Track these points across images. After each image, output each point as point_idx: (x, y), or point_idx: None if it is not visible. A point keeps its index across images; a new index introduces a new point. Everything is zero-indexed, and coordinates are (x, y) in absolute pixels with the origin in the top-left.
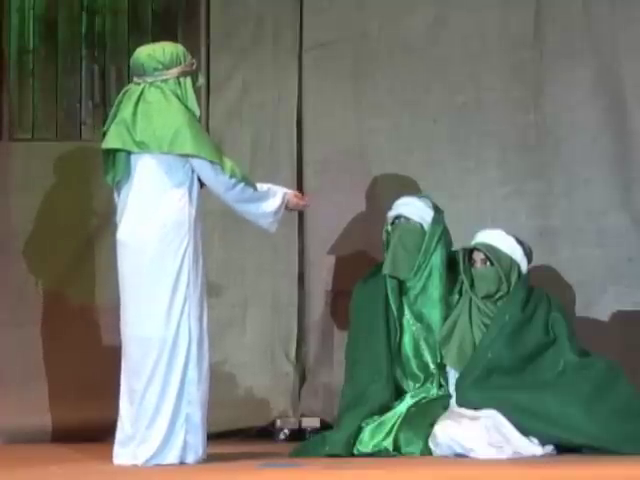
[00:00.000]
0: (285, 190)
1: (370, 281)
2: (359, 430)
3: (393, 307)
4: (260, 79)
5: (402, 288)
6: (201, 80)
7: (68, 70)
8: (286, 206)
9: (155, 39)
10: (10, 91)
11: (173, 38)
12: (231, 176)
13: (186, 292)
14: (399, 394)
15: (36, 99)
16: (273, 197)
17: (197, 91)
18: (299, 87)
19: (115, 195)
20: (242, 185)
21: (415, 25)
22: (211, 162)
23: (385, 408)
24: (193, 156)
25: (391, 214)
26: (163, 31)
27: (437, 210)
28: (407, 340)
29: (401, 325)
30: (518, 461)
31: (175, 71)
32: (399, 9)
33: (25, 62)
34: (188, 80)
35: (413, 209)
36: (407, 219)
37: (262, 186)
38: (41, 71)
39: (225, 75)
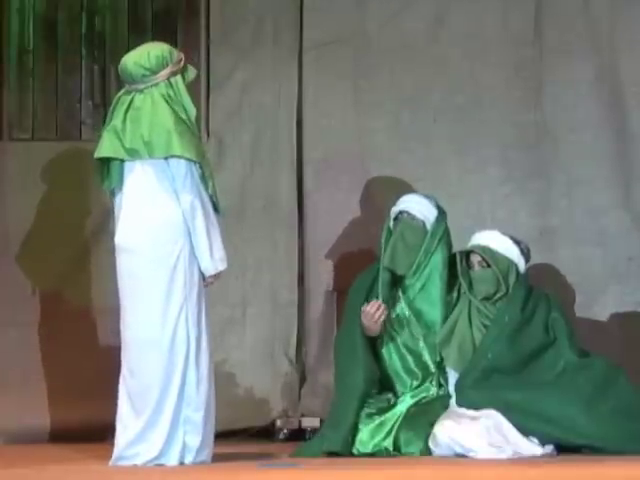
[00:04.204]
0: (219, 268)
1: (363, 276)
2: (355, 425)
3: (380, 294)
4: (260, 79)
5: (397, 283)
6: (192, 73)
7: (68, 70)
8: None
9: (155, 39)
10: (10, 91)
11: (173, 38)
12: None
13: (183, 294)
14: (394, 390)
15: (36, 99)
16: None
17: (195, 89)
18: (299, 87)
19: (112, 201)
20: (200, 206)
21: (415, 24)
22: (189, 161)
23: (366, 397)
24: (175, 156)
25: (395, 209)
26: (163, 31)
27: (441, 211)
28: (404, 337)
29: (389, 319)
30: (518, 461)
31: (164, 73)
32: (399, 8)
33: (25, 62)
34: (179, 79)
35: (418, 206)
36: (411, 215)
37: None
38: (41, 71)
39: (225, 75)
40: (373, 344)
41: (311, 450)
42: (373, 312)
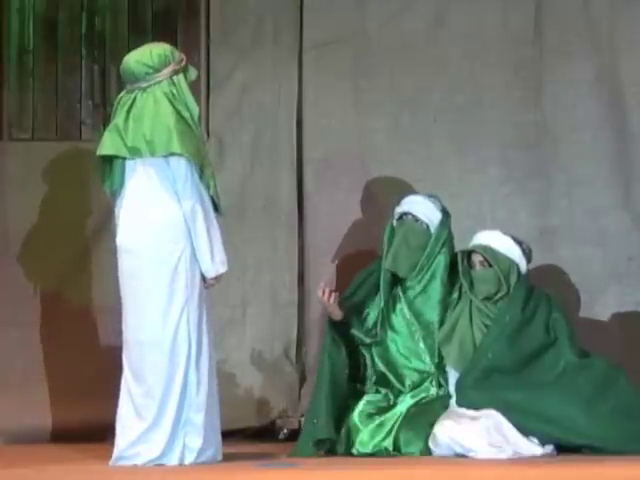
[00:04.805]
0: (219, 270)
1: (359, 275)
2: (334, 410)
3: (382, 297)
4: (260, 79)
5: (397, 284)
6: (193, 74)
7: (68, 70)
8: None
9: (155, 39)
10: (10, 91)
11: (173, 38)
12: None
13: (184, 295)
14: (393, 390)
15: (36, 99)
16: (216, 248)
17: (196, 89)
18: (299, 87)
19: (113, 201)
20: (199, 208)
21: (415, 24)
22: (188, 160)
23: (335, 382)
24: (174, 154)
25: (399, 210)
26: (163, 31)
27: (445, 213)
28: (404, 337)
29: (389, 318)
30: (518, 461)
31: (166, 72)
32: (399, 8)
33: (25, 62)
34: (181, 77)
35: (422, 208)
36: (414, 218)
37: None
38: (41, 71)
39: (225, 75)
40: (345, 334)
41: (304, 449)
42: (321, 296)
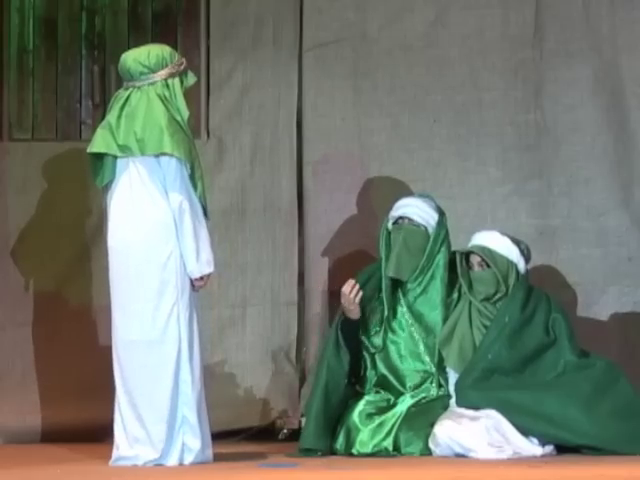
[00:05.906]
0: (205, 271)
1: (358, 276)
2: (326, 419)
3: (386, 305)
4: (260, 79)
5: (398, 286)
6: (191, 79)
7: (68, 70)
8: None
9: (155, 39)
10: (10, 91)
11: (173, 38)
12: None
13: (174, 294)
14: (394, 391)
15: (36, 99)
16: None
17: (196, 90)
18: (299, 87)
19: (105, 199)
20: (189, 208)
21: (415, 25)
22: (179, 160)
23: (328, 390)
24: (165, 154)
25: (394, 214)
26: (163, 31)
27: (440, 212)
28: (405, 339)
29: (389, 323)
30: (518, 461)
31: (162, 73)
32: (399, 9)
33: (25, 62)
34: (176, 81)
35: (418, 211)
36: (411, 221)
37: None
38: (41, 71)
39: (225, 75)
40: (354, 336)
41: (299, 452)
42: (348, 292)
